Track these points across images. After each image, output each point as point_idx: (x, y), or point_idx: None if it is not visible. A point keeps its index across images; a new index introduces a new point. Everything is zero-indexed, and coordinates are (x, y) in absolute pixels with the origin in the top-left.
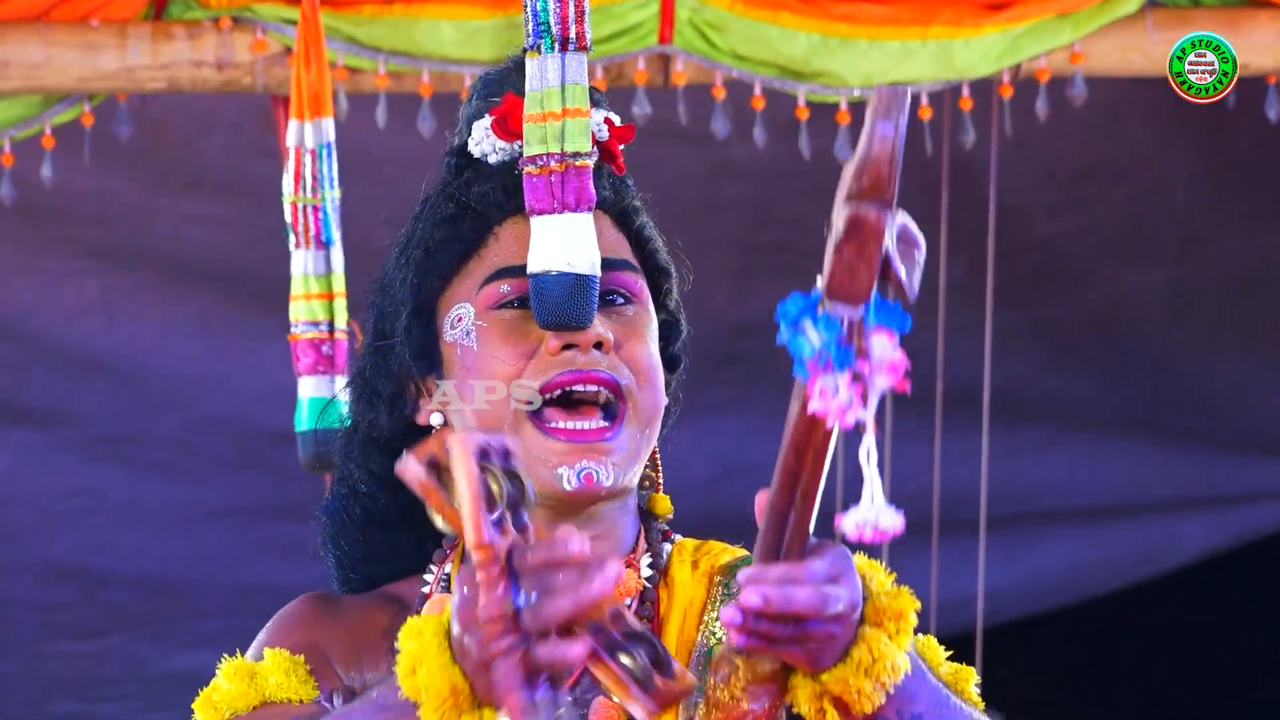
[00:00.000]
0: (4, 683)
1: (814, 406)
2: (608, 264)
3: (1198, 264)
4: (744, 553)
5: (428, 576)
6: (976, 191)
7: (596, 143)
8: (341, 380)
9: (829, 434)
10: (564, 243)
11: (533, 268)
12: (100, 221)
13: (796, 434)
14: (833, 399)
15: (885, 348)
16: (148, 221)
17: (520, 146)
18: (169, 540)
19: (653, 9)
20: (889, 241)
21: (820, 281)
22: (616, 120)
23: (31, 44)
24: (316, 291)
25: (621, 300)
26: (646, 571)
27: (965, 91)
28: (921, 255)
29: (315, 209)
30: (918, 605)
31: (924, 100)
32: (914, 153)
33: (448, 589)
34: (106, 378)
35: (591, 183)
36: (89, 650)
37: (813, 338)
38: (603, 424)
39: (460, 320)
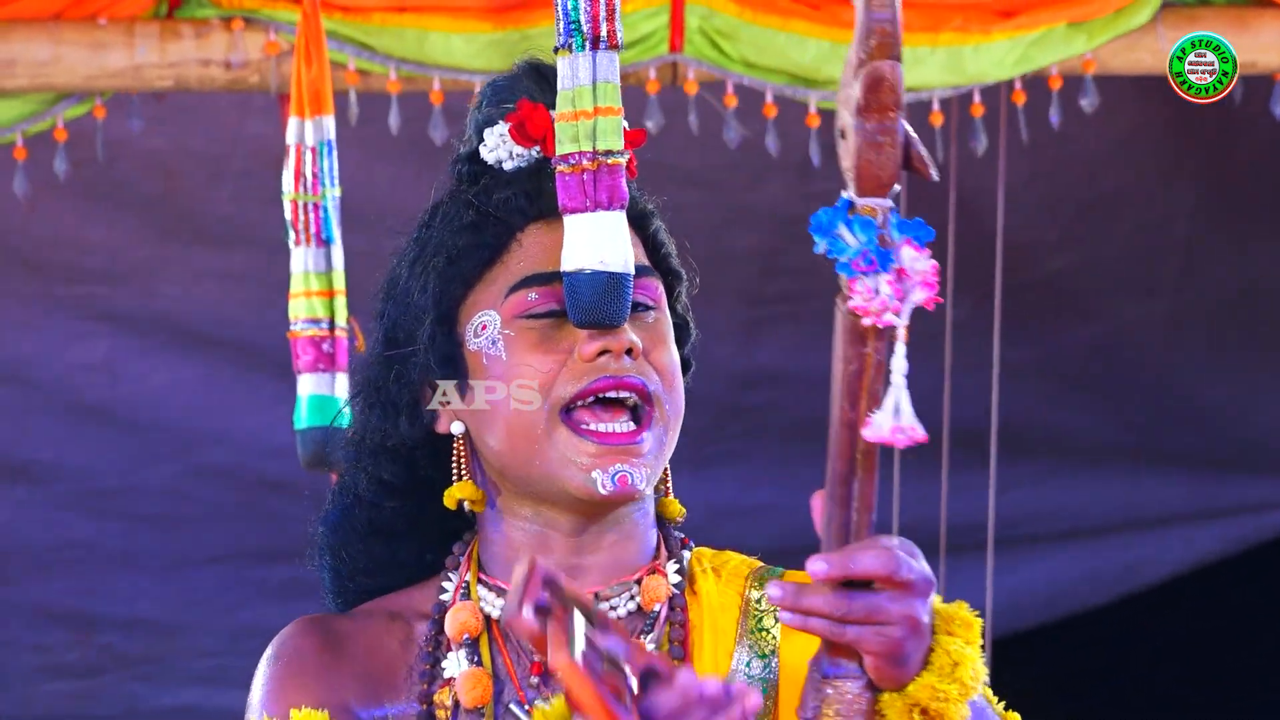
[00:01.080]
0: None
1: (855, 304)
2: (636, 270)
3: (1196, 291)
4: (761, 564)
5: (446, 585)
6: (982, 229)
7: None
8: (342, 378)
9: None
10: (597, 241)
11: (566, 266)
12: (109, 278)
13: (842, 436)
14: (874, 298)
15: (915, 258)
16: (157, 278)
17: (538, 152)
18: (162, 585)
19: (663, 18)
20: (906, 128)
21: (848, 188)
22: (626, 125)
23: (39, 42)
24: (317, 289)
25: (645, 308)
26: (674, 578)
27: (977, 98)
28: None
29: (316, 206)
30: (979, 620)
31: (935, 106)
32: (924, 186)
33: (468, 596)
34: (107, 429)
35: (624, 181)
36: (81, 689)
37: (850, 240)
38: (632, 426)
39: (485, 328)
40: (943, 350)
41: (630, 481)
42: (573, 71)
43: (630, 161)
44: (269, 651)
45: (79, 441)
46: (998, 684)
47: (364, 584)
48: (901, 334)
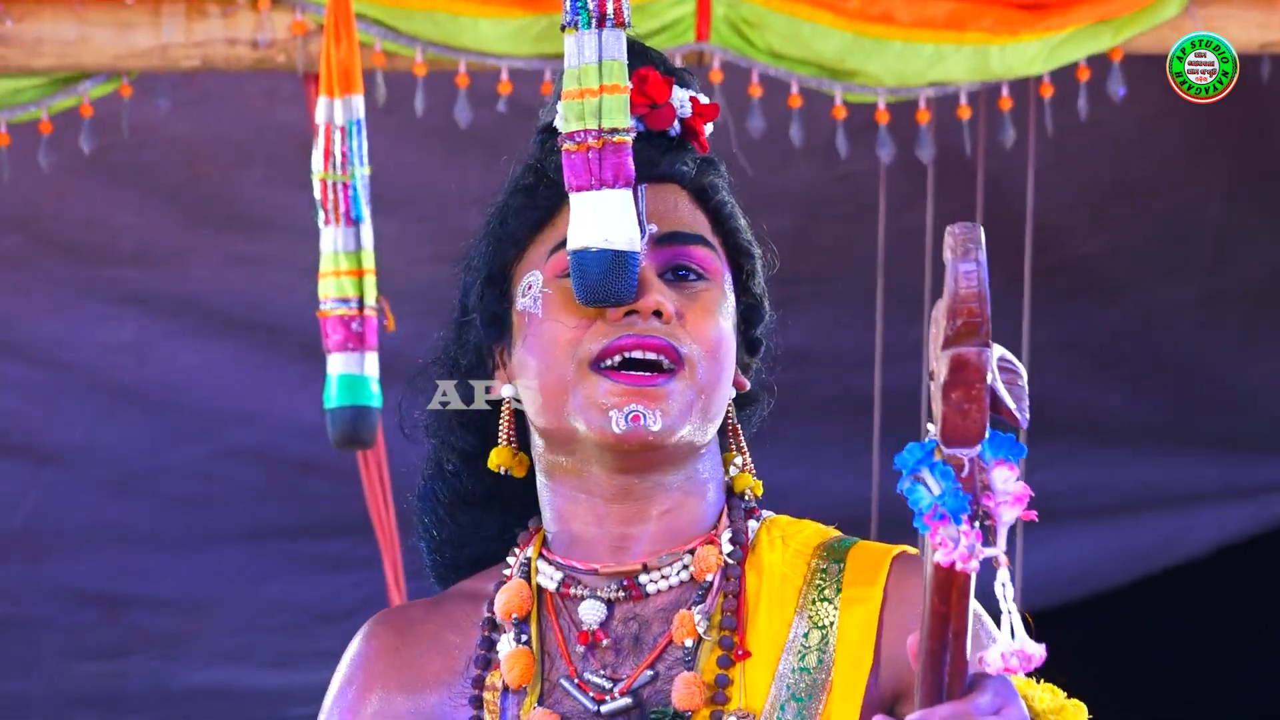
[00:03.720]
0: (26, 701)
1: (938, 558)
2: (680, 237)
3: (1227, 274)
4: (838, 533)
5: (510, 560)
6: (1012, 212)
7: (679, 119)
8: (372, 357)
9: (967, 573)
10: (603, 219)
11: (572, 245)
12: (139, 261)
13: (937, 578)
14: (955, 549)
15: (1007, 479)
16: (186, 262)
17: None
18: (190, 563)
19: (689, 6)
20: (992, 377)
21: (933, 429)
22: (703, 99)
23: (65, 22)
24: (346, 268)
25: (694, 276)
26: (728, 548)
27: (1005, 91)
28: (1024, 380)
29: (345, 185)
30: (1084, 716)
31: (963, 100)
32: (952, 168)
33: (527, 575)
34: (137, 411)
35: (630, 159)
36: (111, 669)
37: (932, 487)
38: (661, 376)
39: (530, 288)
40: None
41: (643, 422)
42: (579, 49)
43: (700, 135)
44: (345, 655)
45: (108, 423)
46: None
47: (453, 555)
48: (1003, 560)
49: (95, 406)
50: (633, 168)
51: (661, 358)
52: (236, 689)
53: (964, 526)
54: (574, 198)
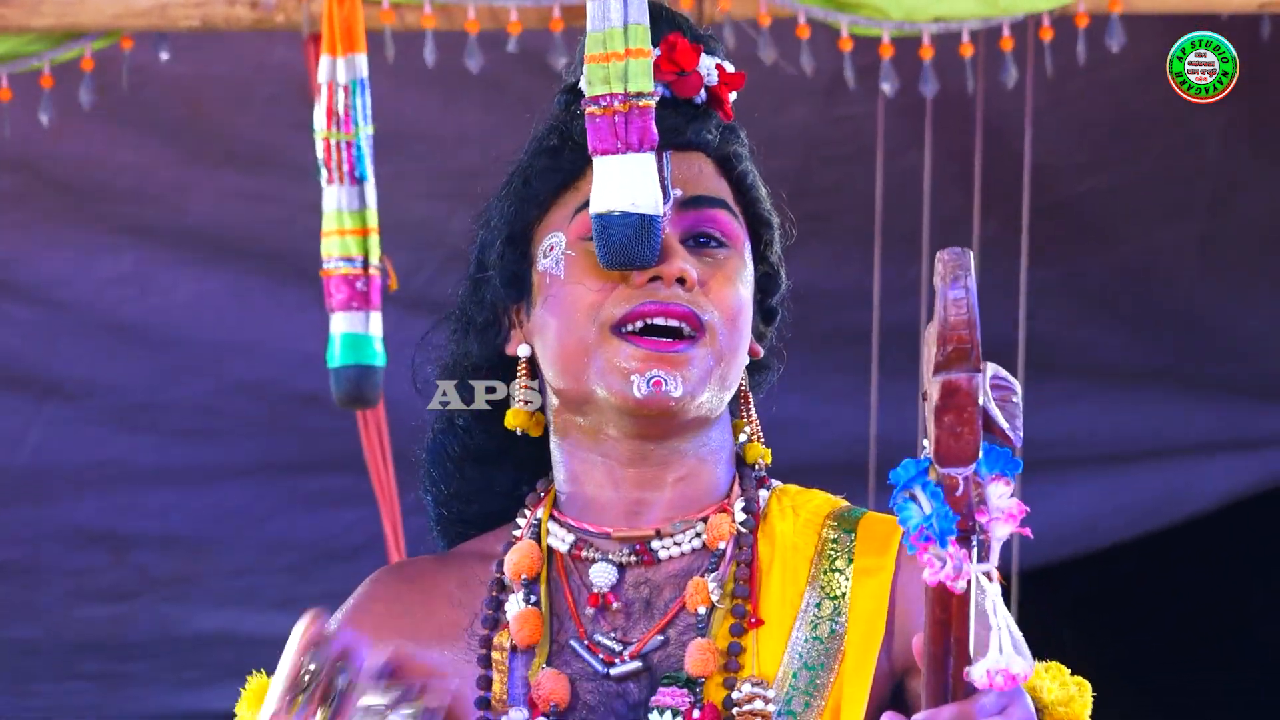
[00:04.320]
0: (35, 647)
1: (926, 577)
2: (704, 201)
3: (1229, 218)
4: (846, 503)
5: (520, 521)
6: (1010, 151)
7: (705, 88)
8: (376, 316)
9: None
10: (627, 183)
11: (595, 208)
12: (138, 196)
13: (935, 590)
14: (941, 569)
15: (1002, 495)
16: (185, 197)
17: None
18: (194, 498)
19: None
20: (984, 399)
21: (927, 447)
22: (729, 67)
23: None
24: (350, 227)
25: (715, 244)
26: (740, 516)
27: (1006, 31)
28: (1018, 397)
29: (349, 144)
30: (1089, 704)
31: (965, 38)
32: (952, 109)
33: (537, 536)
34: (138, 346)
35: (654, 123)
36: (117, 613)
37: (923, 505)
38: (682, 342)
39: (552, 249)
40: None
41: (664, 387)
42: (604, 13)
43: (725, 104)
44: (346, 601)
45: (108, 358)
46: (1035, 615)
47: (459, 509)
48: (994, 575)
49: (96, 342)
50: (656, 132)
51: (683, 324)
52: (242, 633)
53: (950, 549)
54: (598, 161)
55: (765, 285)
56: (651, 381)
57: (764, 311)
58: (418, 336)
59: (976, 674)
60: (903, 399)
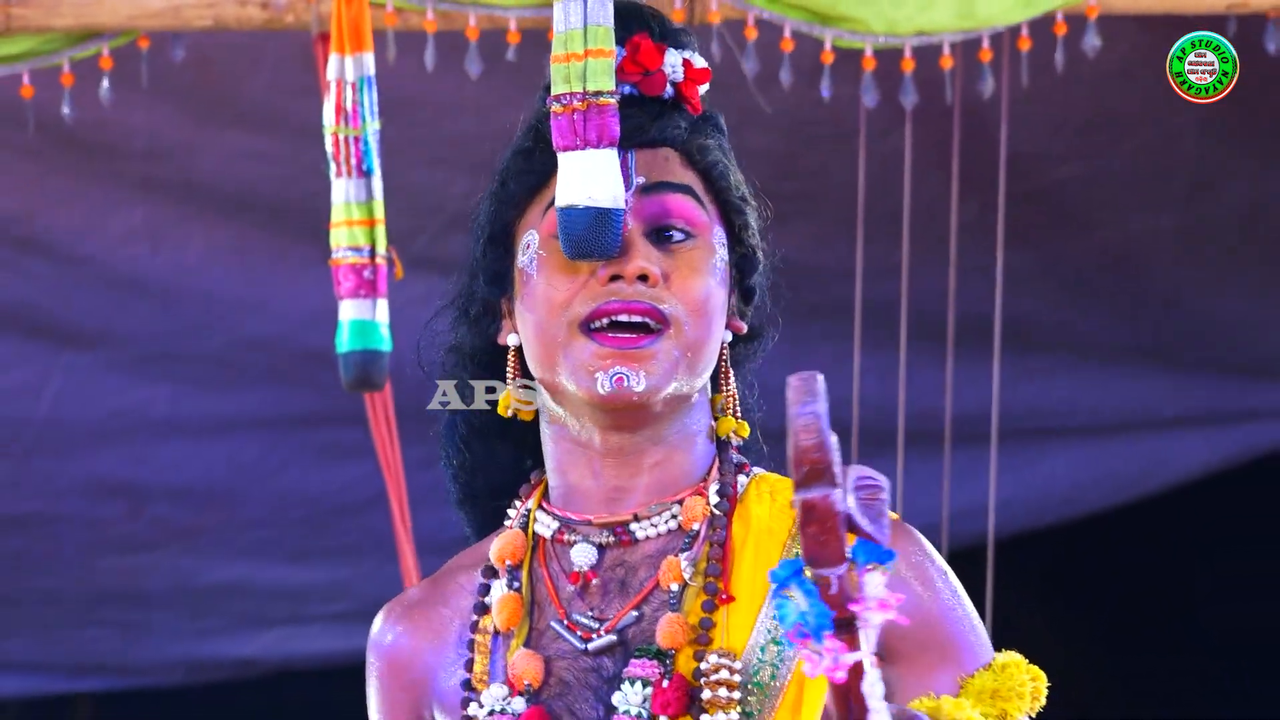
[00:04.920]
0: (57, 596)
1: (807, 671)
2: (666, 186)
3: (1205, 207)
4: None
5: (511, 513)
6: (987, 137)
7: (671, 83)
8: (382, 303)
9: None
10: (587, 178)
11: (559, 202)
12: (149, 155)
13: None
14: (820, 663)
15: (876, 585)
16: (194, 156)
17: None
18: (208, 450)
19: None
20: (847, 507)
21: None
22: (697, 63)
23: None
24: (358, 218)
25: (681, 236)
26: (714, 499)
27: (985, 44)
28: (885, 494)
29: (356, 139)
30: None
31: (945, 50)
32: (933, 100)
33: (525, 525)
34: (151, 300)
35: (615, 121)
36: (135, 564)
37: (799, 603)
38: (646, 337)
39: (528, 247)
40: (948, 251)
41: (626, 383)
42: (565, 16)
43: (693, 98)
44: (367, 654)
45: (123, 311)
46: (1010, 583)
47: (468, 482)
48: (873, 661)
49: (111, 296)
50: (617, 128)
51: (647, 320)
52: (256, 584)
53: (826, 644)
54: (561, 157)
55: (743, 266)
56: (614, 378)
57: (743, 290)
58: (418, 297)
59: None
60: (883, 368)
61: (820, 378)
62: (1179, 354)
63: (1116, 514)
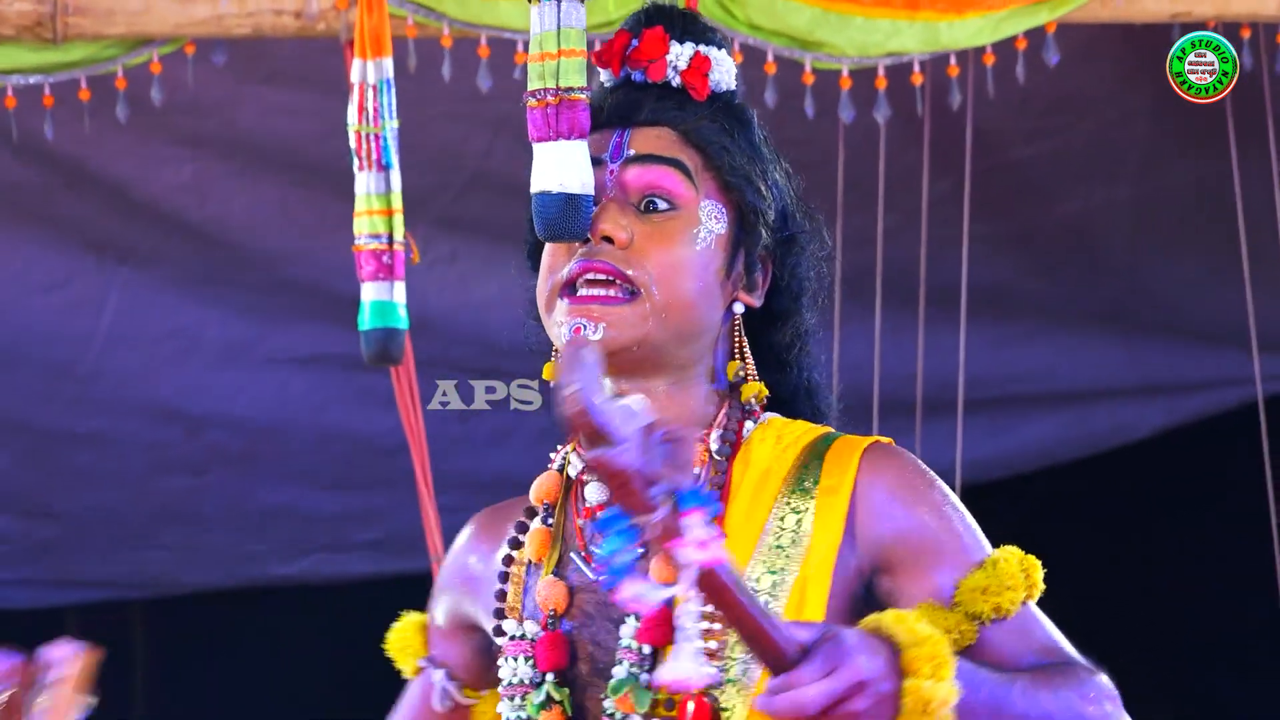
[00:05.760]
0: (119, 513)
1: (618, 600)
2: (650, 158)
3: (1157, 183)
4: (828, 430)
5: (553, 456)
6: (955, 118)
7: (675, 70)
8: (400, 286)
9: (717, 581)
10: (559, 166)
11: (533, 188)
12: (194, 111)
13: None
14: (631, 600)
15: (697, 526)
16: (235, 111)
17: (610, 76)
18: (258, 383)
19: None
20: (633, 461)
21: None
22: (712, 55)
23: None
24: (378, 209)
25: (665, 206)
26: (715, 444)
27: (953, 60)
28: (689, 445)
29: (376, 137)
30: (946, 641)
31: (915, 68)
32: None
33: (563, 469)
34: (200, 244)
35: (586, 114)
36: (192, 485)
37: (610, 545)
38: (614, 295)
39: None
40: (920, 223)
41: (583, 332)
42: (540, 19)
43: (697, 86)
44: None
45: (175, 246)
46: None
47: None
48: (684, 596)
49: (164, 233)
50: (588, 122)
51: (611, 279)
52: (303, 509)
53: (633, 582)
54: (536, 148)
55: (747, 243)
56: (572, 329)
57: (748, 265)
58: (445, 256)
59: (663, 675)
60: (862, 333)
61: (590, 349)
62: (1137, 320)
63: (1084, 466)
